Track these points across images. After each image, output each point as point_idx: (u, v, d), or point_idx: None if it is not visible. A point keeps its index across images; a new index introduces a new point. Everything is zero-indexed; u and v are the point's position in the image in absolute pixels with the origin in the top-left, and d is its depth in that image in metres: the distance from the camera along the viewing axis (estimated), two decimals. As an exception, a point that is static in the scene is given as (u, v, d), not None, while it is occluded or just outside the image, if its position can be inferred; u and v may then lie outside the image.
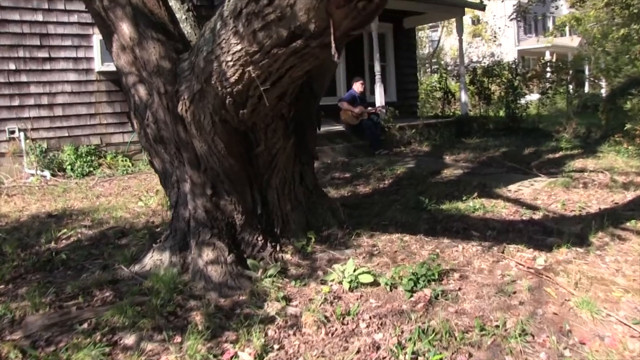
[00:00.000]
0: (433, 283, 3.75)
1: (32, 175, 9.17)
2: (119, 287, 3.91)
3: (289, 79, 3.33)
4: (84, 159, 9.63)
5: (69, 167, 9.48)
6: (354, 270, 3.83)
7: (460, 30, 13.25)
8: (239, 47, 3.07)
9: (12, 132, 9.33)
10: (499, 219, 5.42)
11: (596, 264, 4.15)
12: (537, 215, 5.52)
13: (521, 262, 4.16)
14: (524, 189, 6.99)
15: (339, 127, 11.31)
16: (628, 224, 5.08)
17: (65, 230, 5.45)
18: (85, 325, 3.27)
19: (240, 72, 3.21)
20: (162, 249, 4.25)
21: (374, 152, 10.49)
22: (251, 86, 3.34)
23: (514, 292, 3.60)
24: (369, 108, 10.98)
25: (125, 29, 3.84)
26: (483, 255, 4.31)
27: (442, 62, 27.10)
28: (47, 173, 9.22)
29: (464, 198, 6.22)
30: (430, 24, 27.61)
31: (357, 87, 10.98)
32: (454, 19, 13.38)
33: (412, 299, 3.55)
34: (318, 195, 4.80)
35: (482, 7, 13.63)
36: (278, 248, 4.30)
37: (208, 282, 3.80)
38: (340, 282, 3.78)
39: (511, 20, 17.70)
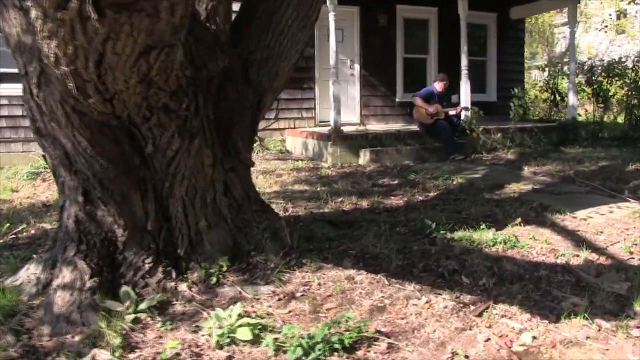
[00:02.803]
0: (337, 354, 2.55)
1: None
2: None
3: (114, 57, 2.32)
4: None
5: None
6: (238, 319, 2.74)
7: (573, 20, 11.25)
8: (32, 14, 2.17)
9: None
10: (522, 259, 3.97)
11: (621, 352, 2.68)
12: (579, 259, 3.99)
13: (498, 336, 2.79)
14: (595, 217, 5.35)
15: (413, 127, 10.00)
16: None
17: None
18: None
19: (48, 48, 2.29)
20: (39, 261, 3.43)
21: (449, 157, 9.08)
22: (78, 68, 2.39)
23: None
24: (449, 109, 9.52)
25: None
26: (448, 317, 2.98)
27: (578, 62, 24.22)
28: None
29: (501, 224, 4.80)
30: (564, 20, 24.82)
31: (438, 85, 9.59)
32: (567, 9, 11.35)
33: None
34: (254, 211, 3.70)
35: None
36: (174, 275, 3.28)
37: (47, 312, 2.91)
38: (211, 335, 2.71)
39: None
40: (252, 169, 7.35)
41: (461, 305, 3.12)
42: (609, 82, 11.77)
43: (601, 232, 4.77)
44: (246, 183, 3.80)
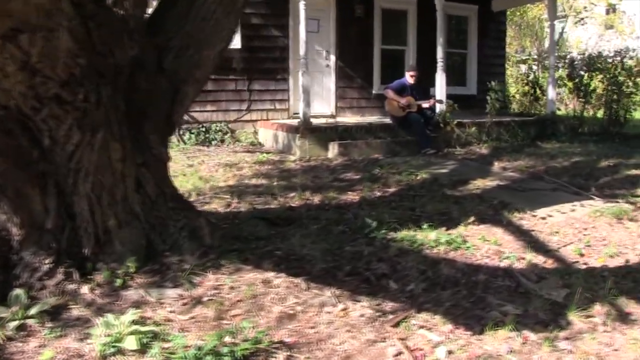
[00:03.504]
0: (228, 369, 2.32)
1: None
2: None
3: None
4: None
5: None
6: (129, 326, 2.52)
7: (553, 13, 11.00)
8: None
9: None
10: (463, 262, 3.74)
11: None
12: (524, 262, 3.77)
13: (411, 350, 2.56)
14: (555, 216, 5.14)
15: (388, 120, 9.75)
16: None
17: None
18: None
19: None
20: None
21: (420, 151, 8.83)
22: None
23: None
24: (422, 102, 9.26)
25: None
26: (362, 328, 2.75)
27: (567, 56, 24.04)
28: None
29: (455, 222, 4.59)
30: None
31: (409, 76, 9.33)
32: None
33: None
34: (171, 208, 3.46)
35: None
36: (77, 276, 3.04)
37: None
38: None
39: None
40: (215, 161, 7.17)
41: (380, 314, 2.89)
42: (590, 76, 11.54)
43: (556, 233, 4.56)
44: (161, 179, 3.54)
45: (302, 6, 8.74)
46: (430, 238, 4.09)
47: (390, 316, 2.85)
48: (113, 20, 3.07)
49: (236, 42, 10.22)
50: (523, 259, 3.81)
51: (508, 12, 20.47)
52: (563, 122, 11.04)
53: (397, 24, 11.70)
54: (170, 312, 2.85)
